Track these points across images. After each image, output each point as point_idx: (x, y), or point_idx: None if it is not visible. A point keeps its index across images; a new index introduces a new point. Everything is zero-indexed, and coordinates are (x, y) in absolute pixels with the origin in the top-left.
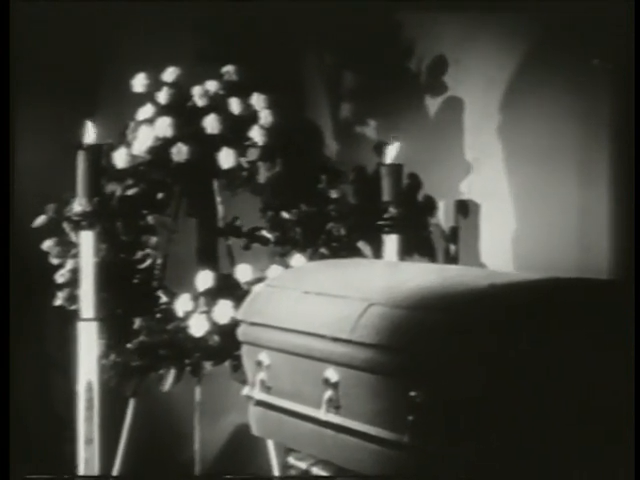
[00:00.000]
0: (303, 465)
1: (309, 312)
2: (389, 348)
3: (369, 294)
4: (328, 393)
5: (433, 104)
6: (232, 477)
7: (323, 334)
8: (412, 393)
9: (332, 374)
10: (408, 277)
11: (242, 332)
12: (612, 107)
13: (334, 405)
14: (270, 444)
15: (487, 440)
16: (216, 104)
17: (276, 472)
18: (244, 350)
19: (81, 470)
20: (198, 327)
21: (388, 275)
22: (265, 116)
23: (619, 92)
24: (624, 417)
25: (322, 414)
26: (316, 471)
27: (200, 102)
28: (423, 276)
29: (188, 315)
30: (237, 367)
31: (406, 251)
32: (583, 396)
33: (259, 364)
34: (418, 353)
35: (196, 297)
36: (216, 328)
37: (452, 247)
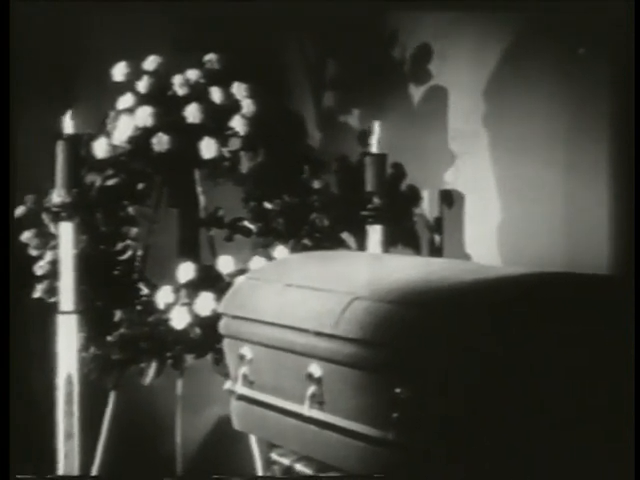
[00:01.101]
0: (286, 461)
1: (292, 305)
2: (373, 343)
3: (353, 288)
4: (311, 388)
5: (417, 93)
6: (219, 477)
7: (306, 328)
8: (397, 389)
9: (315, 369)
10: (392, 270)
11: (224, 325)
12: (601, 96)
13: (317, 401)
14: (253, 438)
15: (473, 438)
16: (197, 93)
17: (259, 466)
18: (226, 344)
19: (61, 464)
20: (179, 319)
21: (372, 268)
22: (247, 105)
23: (607, 80)
24: (619, 415)
25: (305, 410)
26: (299, 467)
27: (181, 91)
28: (408, 270)
29: (169, 307)
30: (219, 360)
31: (390, 242)
32: (572, 393)
33: (241, 358)
34: (403, 349)
35: (177, 289)
36: (198, 320)
37: (436, 238)
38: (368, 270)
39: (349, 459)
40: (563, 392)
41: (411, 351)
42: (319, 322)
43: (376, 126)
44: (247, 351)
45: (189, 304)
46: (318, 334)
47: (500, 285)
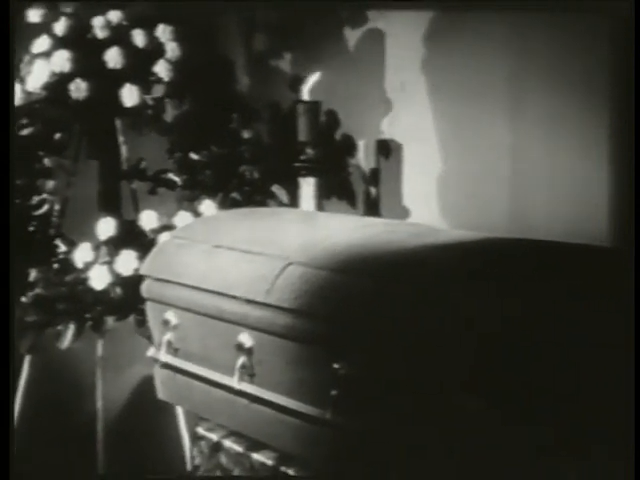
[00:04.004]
0: (214, 436)
1: (220, 269)
2: (309, 314)
3: (287, 251)
4: (241, 359)
5: (353, 37)
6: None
7: (236, 295)
8: (335, 365)
9: (246, 339)
10: (330, 233)
11: (146, 288)
12: (545, 39)
13: (248, 373)
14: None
15: (416, 419)
16: (119, 36)
17: (186, 439)
18: (149, 307)
19: None
20: (99, 279)
21: (308, 229)
22: (172, 49)
23: (553, 22)
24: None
25: (235, 382)
26: (228, 444)
27: (101, 34)
28: (347, 232)
29: (88, 266)
30: (142, 322)
31: (324, 195)
32: (523, 374)
33: (166, 324)
34: (342, 321)
35: (97, 246)
36: (119, 280)
37: (373, 190)
38: (304, 231)
39: (282, 437)
40: (515, 372)
41: (351, 324)
42: (250, 289)
43: (313, 77)
44: (172, 316)
45: (110, 262)
46: (249, 302)
47: (449, 253)
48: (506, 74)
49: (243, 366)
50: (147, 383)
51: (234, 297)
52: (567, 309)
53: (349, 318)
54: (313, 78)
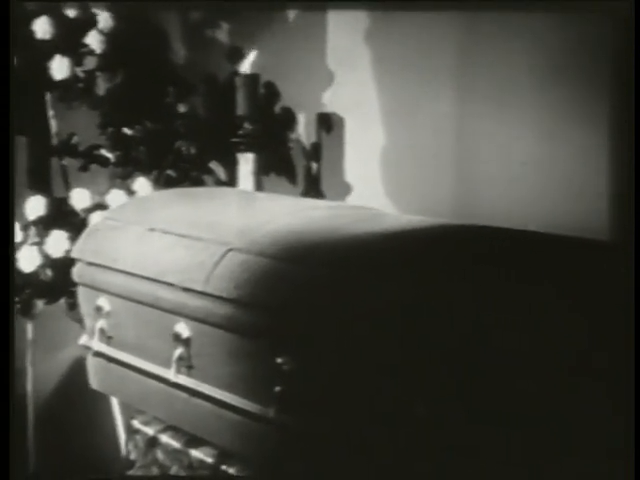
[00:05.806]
0: (150, 430)
1: (155, 254)
2: (250, 304)
3: (227, 236)
4: (178, 350)
5: (292, 5)
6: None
7: (172, 282)
8: (279, 359)
9: (183, 329)
10: (273, 216)
11: (78, 272)
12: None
13: (185, 365)
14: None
15: (364, 418)
16: (48, 5)
17: (120, 430)
18: (81, 292)
19: None
20: (28, 260)
21: (250, 212)
22: (104, 20)
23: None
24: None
25: (172, 374)
26: (165, 439)
27: (30, 2)
28: (290, 216)
29: (17, 247)
30: (73, 305)
31: (263, 171)
32: (477, 373)
33: (98, 310)
34: (285, 312)
35: (26, 226)
36: (49, 262)
37: (313, 165)
38: (244, 215)
39: (222, 433)
40: (470, 370)
41: (295, 315)
42: (187, 276)
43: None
44: (105, 303)
45: (39, 243)
46: (186, 290)
47: (399, 240)
48: (450, 44)
49: (180, 358)
50: (80, 367)
51: (170, 285)
52: (512, 296)
53: (292, 309)
54: (250, 56)
